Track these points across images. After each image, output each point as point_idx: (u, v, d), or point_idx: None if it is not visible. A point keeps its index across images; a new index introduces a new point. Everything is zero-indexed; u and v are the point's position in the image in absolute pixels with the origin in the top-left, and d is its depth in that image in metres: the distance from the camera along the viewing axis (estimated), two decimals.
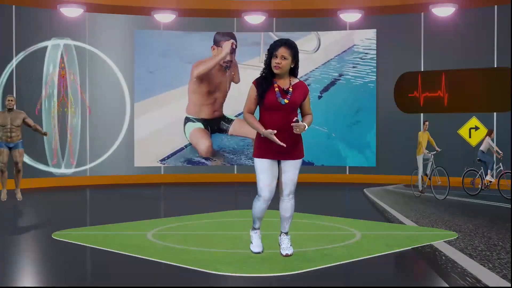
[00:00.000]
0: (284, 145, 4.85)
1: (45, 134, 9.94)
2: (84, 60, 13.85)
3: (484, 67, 13.45)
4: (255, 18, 14.32)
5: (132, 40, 14.26)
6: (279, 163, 5.07)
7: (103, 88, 14.12)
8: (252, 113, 5.03)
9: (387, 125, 14.29)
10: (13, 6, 12.99)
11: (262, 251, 5.23)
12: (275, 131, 4.84)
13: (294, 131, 4.83)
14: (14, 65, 13.03)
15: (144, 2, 13.72)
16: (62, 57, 13.58)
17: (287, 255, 5.15)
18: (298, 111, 5.13)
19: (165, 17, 14.15)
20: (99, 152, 14.02)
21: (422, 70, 14.09)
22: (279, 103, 4.92)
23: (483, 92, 13.16)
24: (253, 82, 5.02)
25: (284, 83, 5.01)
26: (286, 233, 5.22)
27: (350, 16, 14.18)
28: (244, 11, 14.16)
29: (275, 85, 4.96)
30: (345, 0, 13.93)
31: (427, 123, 11.51)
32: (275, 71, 4.94)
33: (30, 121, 9.80)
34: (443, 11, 13.53)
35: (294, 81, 5.05)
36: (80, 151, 13.83)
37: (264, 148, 5.00)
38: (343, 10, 14.02)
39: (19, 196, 9.77)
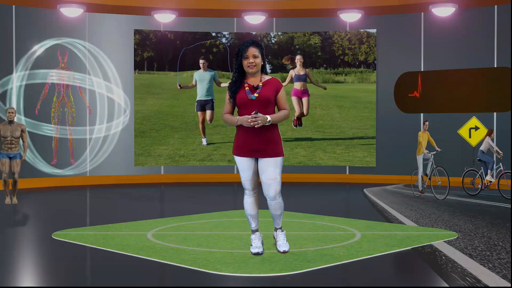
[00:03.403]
0: (258, 123, 4.92)
1: (23, 157, 10.06)
2: (84, 60, 13.84)
3: (484, 67, 13.44)
4: (255, 18, 14.31)
5: (132, 40, 14.25)
6: (258, 162, 5.16)
7: (103, 88, 14.11)
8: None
9: (387, 125, 14.28)
10: (13, 6, 12.99)
11: (262, 253, 5.23)
12: (252, 114, 4.96)
13: (252, 124, 4.92)
14: (14, 65, 13.02)
15: (144, 2, 13.71)
16: (62, 57, 13.58)
17: (284, 252, 5.23)
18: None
19: (165, 17, 14.15)
20: (99, 152, 14.01)
21: (422, 70, 14.09)
22: (249, 99, 5.07)
23: None
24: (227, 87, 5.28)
25: (255, 80, 5.18)
26: (281, 228, 5.31)
27: (350, 16, 14.17)
28: (244, 11, 14.15)
29: (246, 84, 5.14)
30: (345, 0, 13.92)
31: (427, 123, 11.50)
32: (251, 70, 5.10)
33: (25, 137, 10.04)
34: (443, 11, 13.53)
35: (265, 78, 5.21)
36: (80, 151, 13.82)
37: (240, 147, 5.16)
38: (343, 10, 14.01)
39: (14, 200, 9.98)
